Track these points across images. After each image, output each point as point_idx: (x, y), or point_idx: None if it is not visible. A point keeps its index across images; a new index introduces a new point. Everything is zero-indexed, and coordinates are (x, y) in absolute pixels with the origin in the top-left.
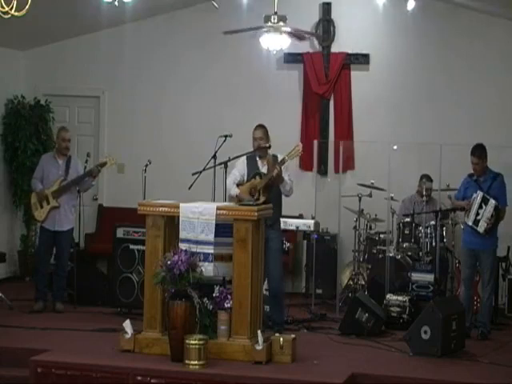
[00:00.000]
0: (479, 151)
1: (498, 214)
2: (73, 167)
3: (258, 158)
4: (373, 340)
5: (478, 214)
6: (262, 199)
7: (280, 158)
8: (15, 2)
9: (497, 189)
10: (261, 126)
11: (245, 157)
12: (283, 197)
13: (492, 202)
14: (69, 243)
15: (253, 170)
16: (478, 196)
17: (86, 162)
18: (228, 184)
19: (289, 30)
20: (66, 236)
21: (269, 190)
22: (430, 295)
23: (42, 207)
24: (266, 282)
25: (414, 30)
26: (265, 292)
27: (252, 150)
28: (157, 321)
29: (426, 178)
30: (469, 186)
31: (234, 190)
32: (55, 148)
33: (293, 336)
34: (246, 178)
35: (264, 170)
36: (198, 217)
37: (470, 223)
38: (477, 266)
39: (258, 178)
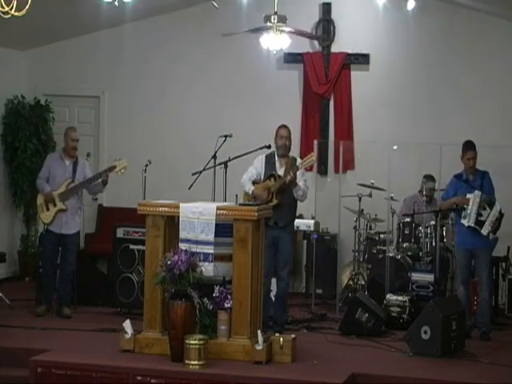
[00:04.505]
0: (474, 145)
1: (501, 219)
2: (80, 169)
3: (277, 158)
4: (373, 340)
5: (480, 214)
6: (275, 202)
7: (298, 162)
8: (15, 2)
9: (487, 186)
10: (285, 126)
11: (264, 155)
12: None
13: (498, 206)
14: (75, 246)
15: (270, 170)
16: (477, 196)
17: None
18: (243, 180)
19: (288, 29)
20: (72, 239)
21: (282, 193)
22: (430, 295)
23: (48, 209)
24: (272, 282)
25: (413, 30)
26: (271, 295)
27: (257, 148)
28: (157, 321)
29: (428, 178)
30: (459, 187)
31: (249, 187)
32: (62, 148)
33: (293, 336)
34: (262, 177)
35: (281, 170)
36: (198, 217)
37: (472, 224)
38: (472, 265)
39: (272, 179)
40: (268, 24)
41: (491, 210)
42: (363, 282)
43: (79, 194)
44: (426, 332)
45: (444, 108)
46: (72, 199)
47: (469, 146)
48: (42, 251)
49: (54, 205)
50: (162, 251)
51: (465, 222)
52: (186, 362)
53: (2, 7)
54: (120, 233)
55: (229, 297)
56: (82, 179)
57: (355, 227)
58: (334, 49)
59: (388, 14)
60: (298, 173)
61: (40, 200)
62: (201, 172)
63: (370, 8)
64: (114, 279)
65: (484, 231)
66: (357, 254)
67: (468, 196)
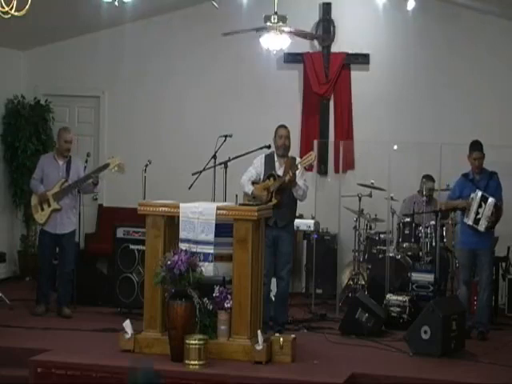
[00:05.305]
0: (481, 146)
1: (498, 212)
2: (73, 169)
3: (276, 158)
4: (373, 340)
5: (477, 213)
6: (274, 201)
7: (297, 161)
8: (15, 2)
9: (494, 187)
10: (285, 126)
11: (263, 155)
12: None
13: (491, 200)
14: (72, 245)
15: (270, 170)
16: (477, 195)
17: (86, 161)
18: (243, 180)
19: (288, 29)
20: (69, 238)
21: (281, 193)
22: (430, 295)
23: (42, 210)
24: (272, 282)
25: (414, 30)
26: (271, 295)
27: (257, 148)
28: (157, 321)
29: (427, 178)
30: (465, 186)
31: (249, 188)
32: (55, 148)
33: (293, 336)
34: (262, 177)
35: (281, 170)
36: (198, 217)
37: (471, 223)
38: (474, 266)
39: (271, 179)
40: (268, 24)
41: (485, 205)
42: (363, 282)
43: (74, 193)
44: (425, 332)
45: (444, 108)
46: (66, 198)
47: (475, 147)
48: (38, 251)
49: (49, 205)
50: (162, 251)
51: (466, 220)
52: (186, 362)
53: (2, 7)
54: (120, 233)
55: (229, 297)
56: (76, 178)
57: (355, 227)
58: (334, 49)
59: (388, 14)
60: (297, 172)
61: (34, 201)
62: (201, 172)
63: (370, 8)
64: (114, 279)
65: (481, 227)
66: (357, 253)
67: (472, 196)
